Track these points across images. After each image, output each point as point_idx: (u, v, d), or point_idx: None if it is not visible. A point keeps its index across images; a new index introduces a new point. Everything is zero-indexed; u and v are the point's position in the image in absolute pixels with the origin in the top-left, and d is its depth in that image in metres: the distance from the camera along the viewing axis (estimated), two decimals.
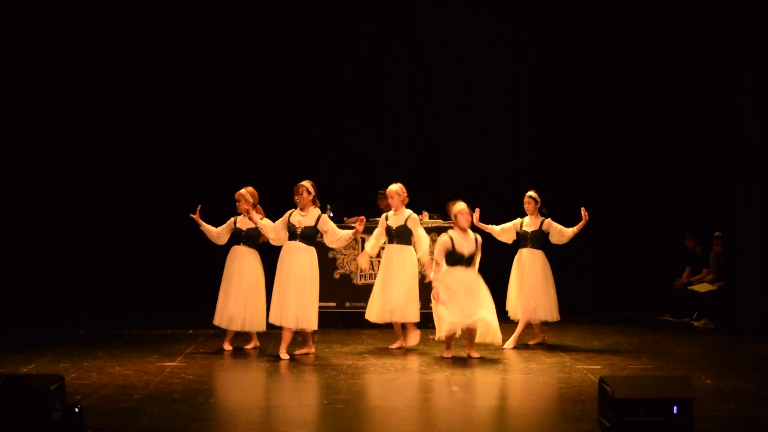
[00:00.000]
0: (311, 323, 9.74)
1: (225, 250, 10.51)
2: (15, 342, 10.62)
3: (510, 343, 10.36)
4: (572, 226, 10.48)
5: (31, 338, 10.87)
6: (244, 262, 10.17)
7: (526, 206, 10.56)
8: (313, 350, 9.95)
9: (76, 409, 6.58)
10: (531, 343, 10.53)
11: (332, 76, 13.54)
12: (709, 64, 13.19)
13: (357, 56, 13.56)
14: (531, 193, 10.58)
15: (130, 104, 13.33)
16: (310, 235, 9.80)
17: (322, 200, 12.20)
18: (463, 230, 9.65)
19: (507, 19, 13.65)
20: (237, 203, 10.24)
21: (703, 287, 12.50)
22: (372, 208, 12.23)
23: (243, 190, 10.28)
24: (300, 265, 9.68)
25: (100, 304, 13.16)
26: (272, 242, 10.08)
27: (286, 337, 9.71)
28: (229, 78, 13.46)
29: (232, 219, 10.34)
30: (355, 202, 12.56)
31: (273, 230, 9.87)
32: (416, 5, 13.60)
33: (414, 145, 13.59)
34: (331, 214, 11.91)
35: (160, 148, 13.37)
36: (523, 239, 10.59)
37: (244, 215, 10.17)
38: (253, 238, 10.22)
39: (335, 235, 9.84)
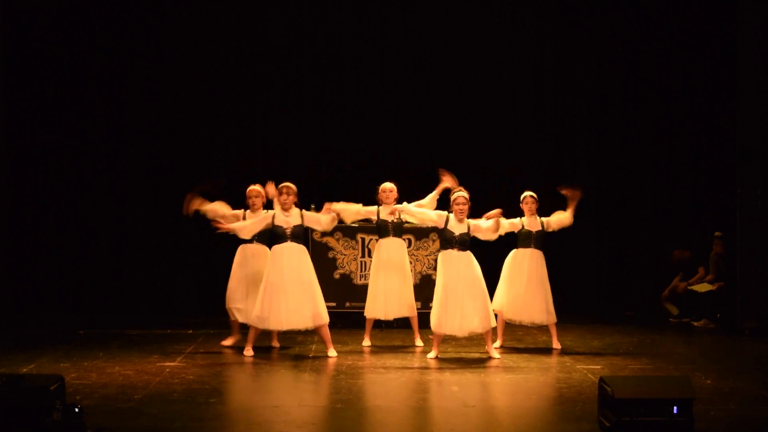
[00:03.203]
0: (325, 317, 9.86)
1: (225, 249, 10.52)
2: (15, 342, 10.62)
3: (557, 343, 10.40)
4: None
5: (31, 338, 10.87)
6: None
7: (529, 206, 10.46)
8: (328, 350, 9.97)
9: (76, 409, 6.59)
10: (499, 345, 10.44)
11: (331, 75, 13.53)
12: (709, 64, 13.18)
13: (357, 54, 13.55)
14: (533, 193, 10.53)
15: (130, 103, 13.32)
16: (300, 234, 9.84)
17: (323, 200, 12.25)
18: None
19: (507, 20, 13.63)
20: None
21: (703, 287, 12.50)
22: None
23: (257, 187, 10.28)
24: (298, 266, 9.72)
25: (100, 304, 13.16)
26: (243, 236, 10.13)
27: (326, 335, 9.90)
28: (228, 77, 13.44)
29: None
30: (354, 202, 12.53)
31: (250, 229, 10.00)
32: (416, 3, 13.59)
33: (414, 145, 13.58)
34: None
35: (159, 148, 13.36)
36: (525, 239, 10.47)
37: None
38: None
39: (321, 222, 9.98)
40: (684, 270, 12.97)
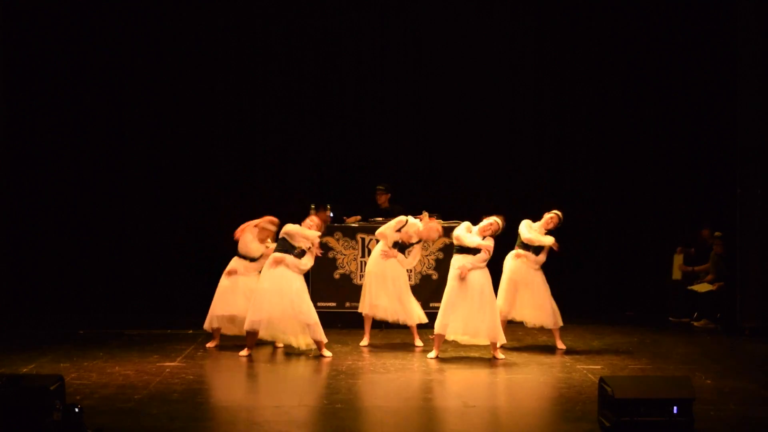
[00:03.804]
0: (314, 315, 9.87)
1: (225, 249, 10.54)
2: (15, 342, 10.62)
3: (561, 344, 10.39)
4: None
5: (31, 338, 10.86)
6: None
7: (552, 225, 10.45)
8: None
9: (76, 409, 6.59)
10: (500, 347, 10.38)
11: (332, 76, 13.52)
12: (709, 64, 13.18)
13: (356, 55, 13.54)
14: (560, 213, 10.50)
15: (130, 104, 13.31)
16: (302, 255, 9.91)
17: (322, 200, 12.24)
18: None
19: (508, 20, 13.62)
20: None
21: (703, 287, 12.50)
22: (371, 207, 12.23)
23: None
24: (293, 277, 9.78)
25: (100, 304, 13.15)
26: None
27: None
28: (228, 78, 13.44)
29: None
30: (355, 202, 12.55)
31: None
32: (416, 4, 13.58)
33: (414, 145, 13.58)
34: (331, 215, 11.95)
35: (160, 148, 13.36)
36: (526, 247, 10.50)
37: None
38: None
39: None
40: (699, 250, 12.92)
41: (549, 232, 10.43)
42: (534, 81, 13.66)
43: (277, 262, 9.75)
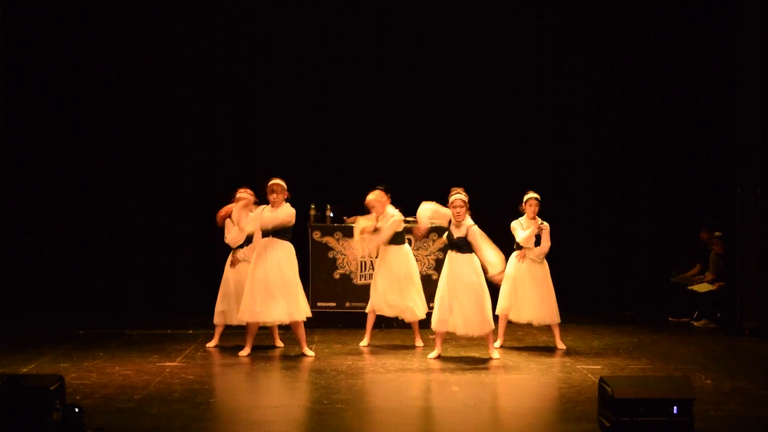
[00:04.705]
0: (306, 312, 9.84)
1: (225, 248, 10.54)
2: (15, 342, 10.62)
3: (561, 344, 10.38)
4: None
5: (31, 338, 10.87)
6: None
7: (532, 209, 10.32)
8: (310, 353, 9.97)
9: (76, 409, 6.59)
10: (499, 345, 10.42)
11: (332, 76, 13.52)
12: (709, 63, 13.18)
13: (356, 55, 13.54)
14: (537, 195, 10.44)
15: (130, 103, 13.31)
16: (285, 231, 9.81)
17: (322, 200, 12.26)
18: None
19: (508, 20, 13.61)
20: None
21: (703, 287, 12.50)
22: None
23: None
24: (279, 262, 9.74)
25: (100, 304, 13.15)
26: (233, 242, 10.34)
27: (302, 335, 9.87)
28: (228, 77, 13.44)
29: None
30: (355, 202, 12.54)
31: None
32: (417, 3, 13.58)
33: (414, 145, 13.58)
34: (331, 215, 11.95)
35: (159, 148, 13.36)
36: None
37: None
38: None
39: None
40: (701, 260, 12.93)
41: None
42: (534, 81, 13.65)
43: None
